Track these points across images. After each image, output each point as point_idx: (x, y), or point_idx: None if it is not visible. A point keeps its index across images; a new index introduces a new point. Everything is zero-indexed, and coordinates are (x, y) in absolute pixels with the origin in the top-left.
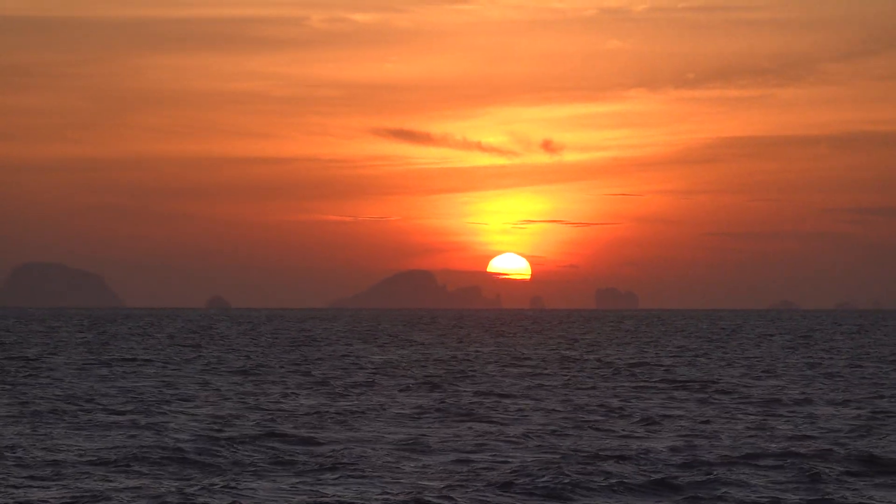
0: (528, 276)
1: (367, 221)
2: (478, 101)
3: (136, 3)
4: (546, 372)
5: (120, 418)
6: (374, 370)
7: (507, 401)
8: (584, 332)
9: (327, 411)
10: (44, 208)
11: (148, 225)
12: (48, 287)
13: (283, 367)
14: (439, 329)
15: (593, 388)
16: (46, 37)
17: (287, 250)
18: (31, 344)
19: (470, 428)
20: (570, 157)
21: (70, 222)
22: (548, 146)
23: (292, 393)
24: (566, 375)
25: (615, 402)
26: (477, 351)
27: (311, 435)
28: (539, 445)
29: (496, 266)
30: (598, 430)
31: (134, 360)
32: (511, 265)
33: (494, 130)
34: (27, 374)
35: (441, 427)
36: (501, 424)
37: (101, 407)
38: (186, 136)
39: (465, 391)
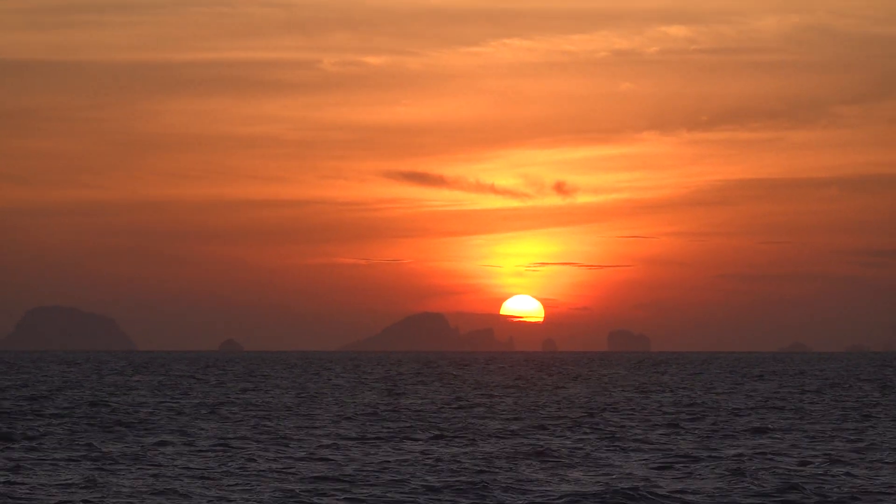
0: (540, 319)
1: (381, 264)
2: (490, 144)
3: (150, 47)
4: None
5: None
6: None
7: None
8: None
9: None
10: (56, 252)
11: (161, 268)
12: (60, 330)
13: None
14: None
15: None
16: (60, 81)
17: (300, 293)
18: None
19: None
20: (582, 199)
21: (82, 266)
22: (560, 188)
23: None
24: None
25: None
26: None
27: None
28: None
29: (509, 308)
30: None
31: None
32: (524, 307)
33: (507, 173)
34: None
35: None
36: None
37: None
38: (200, 179)
39: None
